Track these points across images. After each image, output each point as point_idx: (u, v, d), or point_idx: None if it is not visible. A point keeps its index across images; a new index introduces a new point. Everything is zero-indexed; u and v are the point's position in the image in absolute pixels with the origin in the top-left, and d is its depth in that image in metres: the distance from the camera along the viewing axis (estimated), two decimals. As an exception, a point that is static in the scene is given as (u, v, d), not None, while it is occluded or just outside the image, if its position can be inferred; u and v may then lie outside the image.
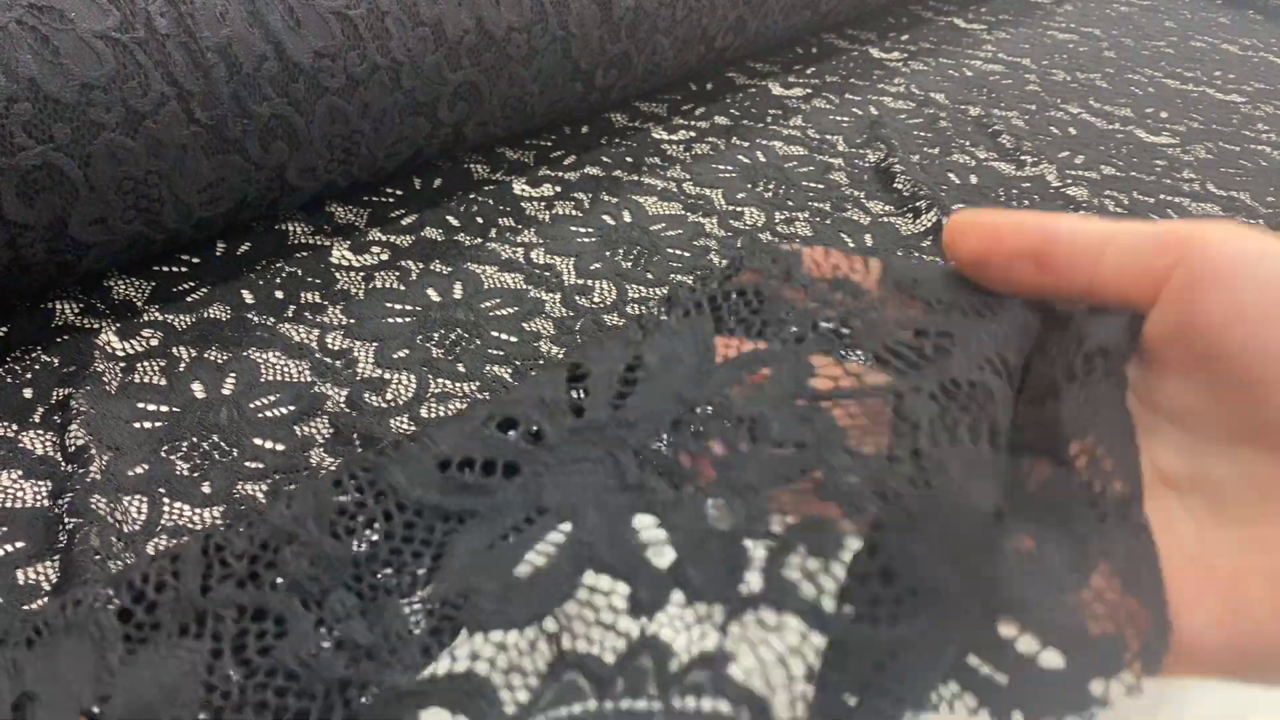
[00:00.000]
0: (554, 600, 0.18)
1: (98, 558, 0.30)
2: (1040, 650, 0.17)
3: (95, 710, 0.16)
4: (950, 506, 0.17)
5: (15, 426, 0.37)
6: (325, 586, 0.18)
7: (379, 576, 0.19)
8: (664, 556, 0.18)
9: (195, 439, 0.37)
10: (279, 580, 0.18)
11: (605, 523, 0.18)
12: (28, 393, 0.39)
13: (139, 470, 0.35)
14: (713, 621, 0.17)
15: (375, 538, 0.19)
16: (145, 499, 0.34)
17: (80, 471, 0.34)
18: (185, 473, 0.35)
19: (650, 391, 0.20)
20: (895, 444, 0.19)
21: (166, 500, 0.34)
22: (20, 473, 0.35)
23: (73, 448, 0.35)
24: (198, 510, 0.34)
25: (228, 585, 0.18)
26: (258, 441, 0.37)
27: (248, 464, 0.36)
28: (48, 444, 0.36)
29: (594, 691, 0.17)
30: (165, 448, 0.36)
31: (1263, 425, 0.18)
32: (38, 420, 0.37)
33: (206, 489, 0.35)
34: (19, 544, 0.32)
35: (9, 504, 0.33)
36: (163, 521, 0.33)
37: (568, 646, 0.17)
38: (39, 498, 0.34)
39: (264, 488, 0.35)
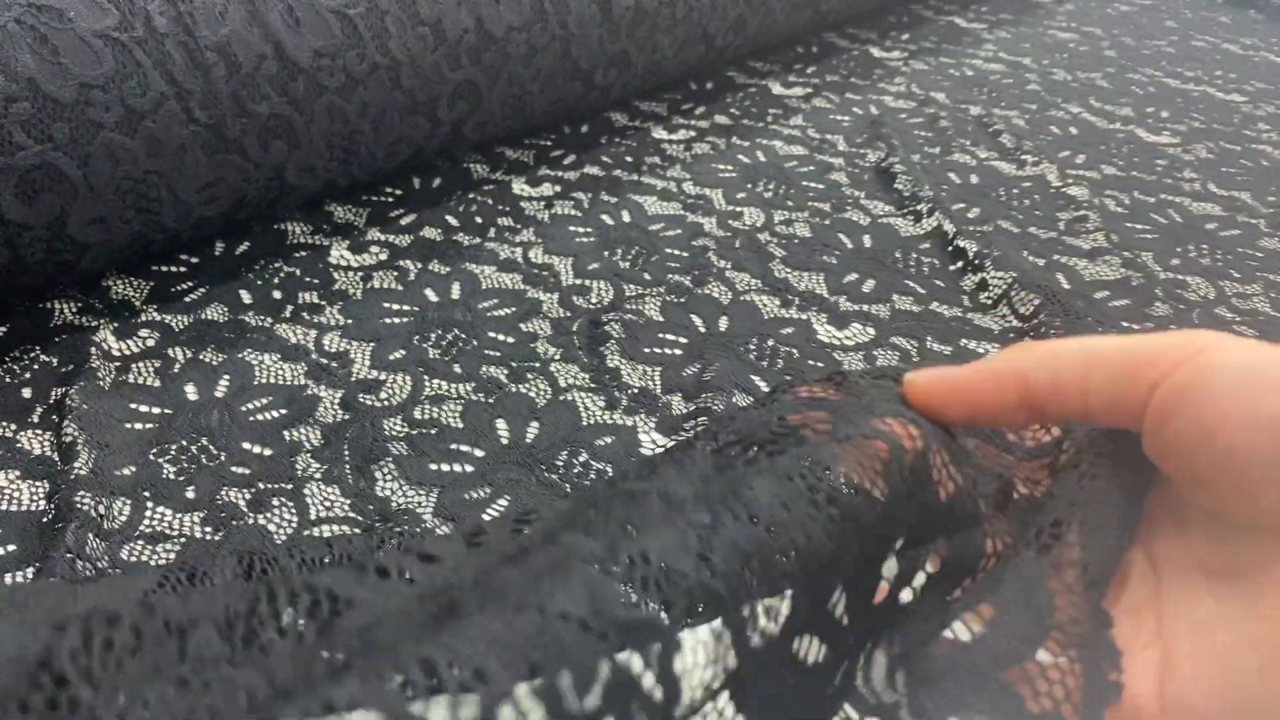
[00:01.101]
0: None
1: (69, 555, 0.30)
2: None
3: None
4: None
5: (14, 426, 0.37)
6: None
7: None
8: None
9: (184, 442, 0.37)
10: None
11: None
12: (26, 392, 0.39)
13: (126, 471, 0.35)
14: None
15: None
16: (129, 501, 0.34)
17: (66, 468, 0.34)
18: (171, 476, 0.35)
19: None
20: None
21: (150, 504, 0.34)
22: (18, 473, 0.35)
23: (63, 444, 0.35)
24: (179, 515, 0.34)
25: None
26: (246, 446, 0.37)
27: (234, 469, 0.36)
28: (45, 444, 0.36)
29: None
30: (154, 450, 0.36)
31: (1261, 516, 0.18)
32: (36, 420, 0.37)
33: (190, 494, 0.34)
34: (10, 547, 0.32)
35: (4, 506, 0.33)
36: (141, 526, 0.33)
37: None
38: (35, 499, 0.34)
39: (247, 495, 0.35)
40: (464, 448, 0.38)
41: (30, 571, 0.31)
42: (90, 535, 0.31)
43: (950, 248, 0.55)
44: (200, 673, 0.15)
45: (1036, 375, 0.21)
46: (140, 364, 0.41)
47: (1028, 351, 0.21)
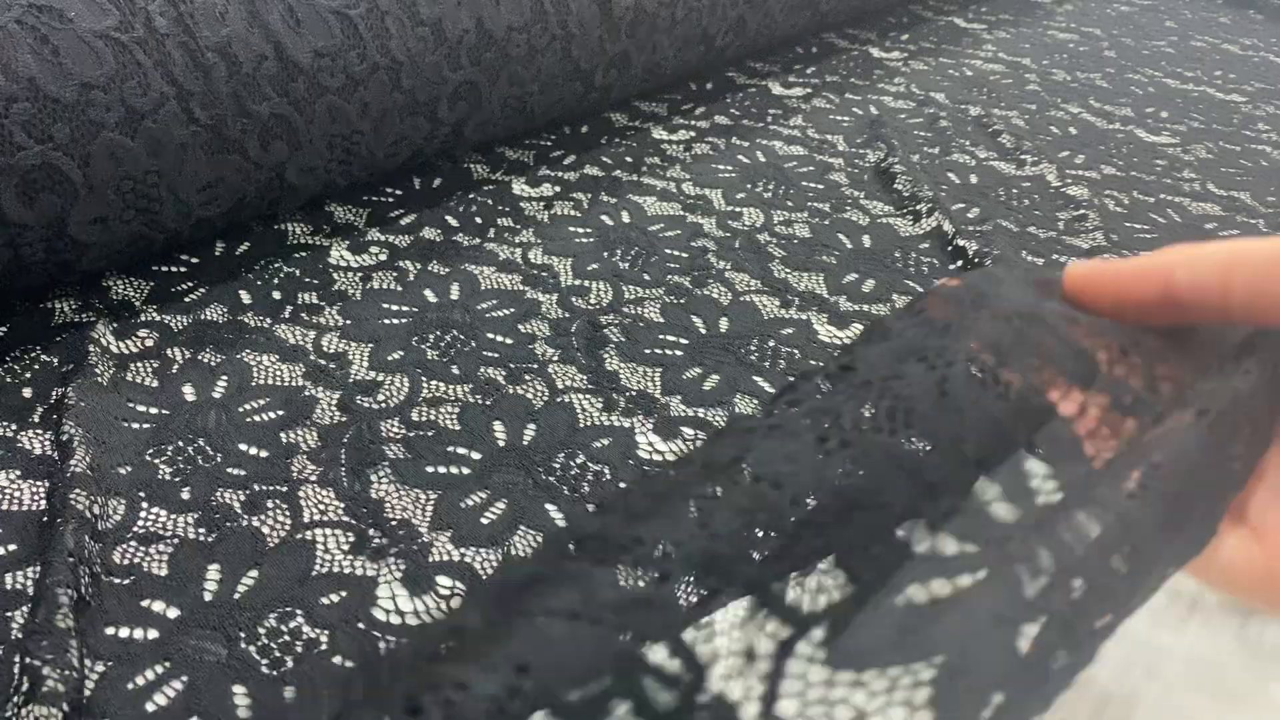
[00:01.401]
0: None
1: (70, 560, 0.30)
2: None
3: None
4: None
5: (14, 426, 0.37)
6: None
7: None
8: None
9: (181, 443, 0.37)
10: None
11: None
12: (27, 392, 0.39)
13: (122, 471, 0.35)
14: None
15: None
16: (124, 501, 0.34)
17: (63, 465, 0.34)
18: (166, 477, 0.35)
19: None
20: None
21: (145, 504, 0.34)
22: (18, 473, 0.35)
23: (61, 441, 0.35)
24: (173, 516, 0.34)
25: None
26: (242, 447, 0.37)
27: (230, 470, 0.36)
28: (46, 443, 0.36)
29: None
30: (150, 450, 0.36)
31: None
32: (37, 420, 0.37)
33: (185, 495, 0.35)
34: (10, 547, 0.32)
35: (4, 506, 0.34)
36: (135, 527, 0.33)
37: None
38: (36, 498, 0.34)
39: (242, 497, 0.35)
40: (460, 450, 0.38)
41: (31, 571, 0.31)
42: (87, 537, 0.31)
43: (950, 247, 0.55)
44: None
45: (1179, 270, 0.21)
46: (139, 363, 0.41)
47: (1176, 249, 0.21)
